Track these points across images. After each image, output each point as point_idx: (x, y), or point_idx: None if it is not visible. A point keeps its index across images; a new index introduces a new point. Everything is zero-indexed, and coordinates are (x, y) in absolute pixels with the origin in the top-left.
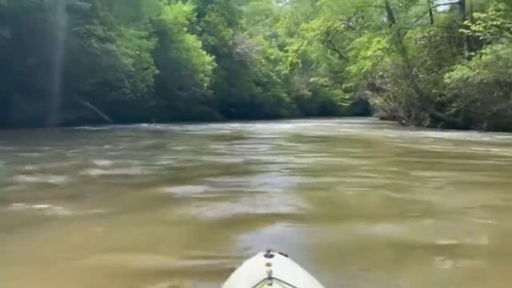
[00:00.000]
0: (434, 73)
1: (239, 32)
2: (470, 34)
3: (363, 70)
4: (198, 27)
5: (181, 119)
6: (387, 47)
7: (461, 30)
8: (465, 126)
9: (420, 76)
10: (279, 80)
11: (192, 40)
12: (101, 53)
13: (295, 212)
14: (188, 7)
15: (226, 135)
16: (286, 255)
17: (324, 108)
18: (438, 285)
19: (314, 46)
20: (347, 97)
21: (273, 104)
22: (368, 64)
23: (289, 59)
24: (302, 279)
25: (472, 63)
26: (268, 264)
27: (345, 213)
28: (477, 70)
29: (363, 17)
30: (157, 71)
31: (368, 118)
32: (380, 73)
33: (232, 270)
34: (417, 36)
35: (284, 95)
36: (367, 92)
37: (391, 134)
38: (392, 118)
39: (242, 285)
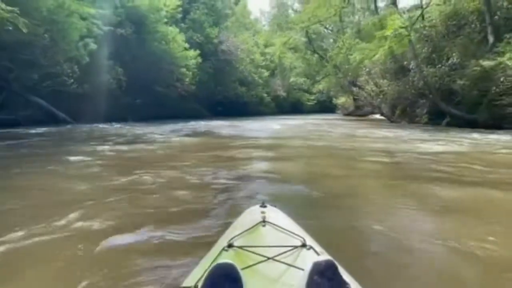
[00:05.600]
0: (438, 66)
1: (224, 32)
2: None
3: (376, 55)
4: (183, 24)
5: (167, 116)
6: (409, 25)
7: None
8: (490, 125)
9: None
10: (260, 81)
11: (173, 32)
12: None
13: None
14: (170, 1)
15: (203, 135)
16: (275, 206)
17: (295, 106)
18: None
19: (297, 41)
20: (312, 97)
21: (255, 103)
22: (392, 43)
23: (277, 53)
24: (288, 223)
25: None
26: (263, 212)
27: None
28: None
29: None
30: (93, 46)
31: (332, 115)
32: (367, 69)
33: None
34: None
35: (265, 95)
36: (353, 88)
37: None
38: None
39: (243, 227)
